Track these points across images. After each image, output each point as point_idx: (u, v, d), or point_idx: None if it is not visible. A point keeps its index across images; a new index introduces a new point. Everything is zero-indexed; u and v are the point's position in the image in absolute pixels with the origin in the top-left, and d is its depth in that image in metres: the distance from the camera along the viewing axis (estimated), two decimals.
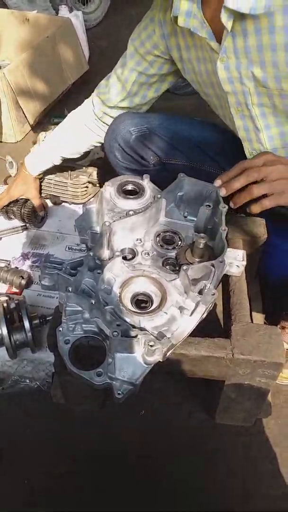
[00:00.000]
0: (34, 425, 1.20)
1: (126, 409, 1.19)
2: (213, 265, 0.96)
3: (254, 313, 1.28)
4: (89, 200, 1.78)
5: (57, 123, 2.23)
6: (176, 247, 1.08)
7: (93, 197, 1.78)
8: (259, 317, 1.30)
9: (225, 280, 1.10)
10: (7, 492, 1.10)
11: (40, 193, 1.71)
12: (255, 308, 1.30)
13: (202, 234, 1.03)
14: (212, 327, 1.05)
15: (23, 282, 1.43)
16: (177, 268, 1.02)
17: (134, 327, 0.89)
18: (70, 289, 0.93)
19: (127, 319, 0.90)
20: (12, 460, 1.15)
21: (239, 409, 1.12)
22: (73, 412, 1.20)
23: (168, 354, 0.88)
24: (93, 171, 1.81)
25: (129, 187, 1.18)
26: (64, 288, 0.94)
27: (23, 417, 1.22)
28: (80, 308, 0.93)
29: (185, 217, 1.17)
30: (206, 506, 1.09)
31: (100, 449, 1.17)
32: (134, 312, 0.92)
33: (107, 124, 1.35)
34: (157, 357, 0.86)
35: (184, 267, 0.96)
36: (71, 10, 2.66)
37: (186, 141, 1.27)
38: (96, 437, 1.19)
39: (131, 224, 1.08)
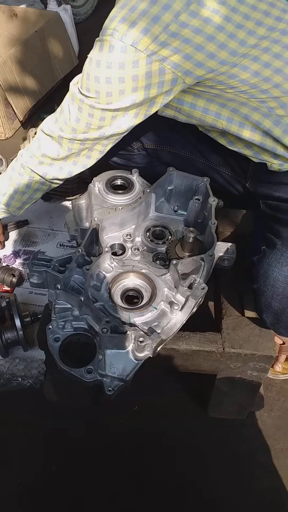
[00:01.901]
0: (26, 423, 1.20)
1: (119, 405, 1.19)
2: (202, 259, 0.95)
3: (245, 307, 1.28)
4: (79, 196, 1.77)
5: None
6: (166, 242, 1.08)
7: (83, 193, 1.77)
8: (250, 311, 1.30)
9: (216, 274, 1.10)
10: (0, 490, 1.10)
11: None
12: (247, 302, 1.30)
13: (191, 228, 1.03)
14: (203, 321, 1.05)
15: (14, 280, 1.42)
16: (168, 262, 1.02)
17: (124, 323, 0.89)
18: (59, 286, 0.92)
19: (117, 315, 0.90)
20: (5, 458, 1.15)
21: (232, 403, 1.12)
22: (66, 409, 1.20)
23: (158, 349, 0.88)
24: None
25: (118, 182, 1.18)
26: (53, 286, 0.93)
27: (16, 415, 1.21)
28: (69, 306, 0.93)
29: (176, 211, 1.17)
30: (199, 499, 1.09)
31: (93, 445, 1.17)
32: (124, 308, 0.92)
33: None
34: (147, 353, 0.86)
35: (174, 262, 0.95)
36: (59, 4, 2.62)
37: (170, 128, 1.25)
38: (89, 433, 1.19)
39: (121, 220, 1.08)
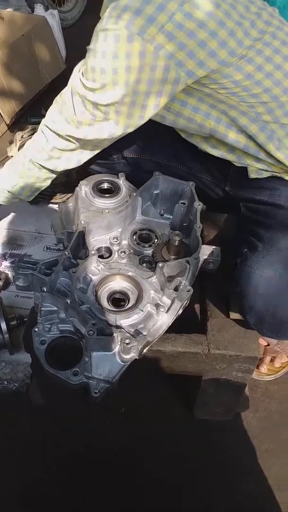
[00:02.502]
0: (12, 427, 1.19)
1: (106, 406, 1.19)
2: (188, 262, 0.97)
3: (230, 309, 1.29)
4: (66, 199, 1.77)
5: (34, 123, 2.22)
6: (153, 245, 1.09)
7: (70, 196, 1.77)
8: (236, 313, 1.32)
9: (201, 277, 1.11)
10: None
11: None
12: (232, 304, 1.32)
13: (177, 232, 1.04)
14: (189, 323, 1.06)
15: (0, 283, 1.41)
16: (154, 265, 1.03)
17: (110, 325, 0.89)
18: (45, 289, 0.92)
19: (103, 318, 0.90)
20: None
21: (217, 404, 1.14)
22: (53, 412, 1.19)
23: (144, 351, 0.89)
24: (71, 170, 1.80)
25: (105, 185, 1.19)
26: (39, 288, 0.94)
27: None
28: (55, 308, 0.93)
29: (162, 215, 1.18)
30: (186, 502, 1.10)
31: (80, 449, 1.17)
32: (110, 310, 0.92)
33: None
34: (133, 355, 0.86)
35: (160, 265, 0.96)
36: (46, 9, 2.64)
37: (148, 137, 1.26)
38: (76, 437, 1.18)
39: (107, 223, 1.08)
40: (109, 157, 1.31)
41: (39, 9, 2.59)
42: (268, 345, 1.30)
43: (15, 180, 1.19)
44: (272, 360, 1.31)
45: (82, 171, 1.28)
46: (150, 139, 1.21)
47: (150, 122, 1.05)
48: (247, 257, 0.95)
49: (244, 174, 1.08)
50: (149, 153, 1.27)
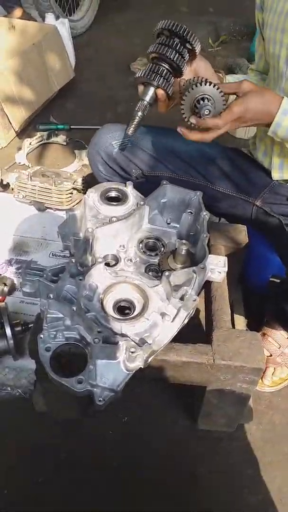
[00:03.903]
0: (15, 433, 1.19)
1: (109, 416, 1.19)
2: (194, 271, 0.97)
3: (236, 319, 1.29)
4: (73, 206, 1.78)
5: (42, 130, 2.25)
6: (159, 254, 1.09)
7: (77, 203, 1.78)
8: (241, 323, 1.32)
9: (207, 286, 1.11)
10: None
11: None
12: (237, 314, 1.32)
13: (184, 241, 1.04)
14: (195, 333, 1.06)
15: (6, 289, 1.42)
16: (160, 274, 1.03)
17: (115, 333, 0.89)
18: (51, 296, 0.92)
19: (109, 326, 0.90)
20: None
21: (221, 415, 1.13)
22: (55, 419, 1.19)
23: (149, 360, 0.88)
24: (78, 178, 1.81)
25: (113, 194, 1.19)
26: (45, 295, 0.94)
27: (4, 425, 1.20)
28: (61, 315, 0.93)
29: (168, 223, 1.18)
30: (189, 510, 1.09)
31: (83, 456, 1.16)
32: (116, 318, 0.92)
33: None
34: (138, 364, 0.86)
35: (166, 273, 0.96)
36: (57, 18, 2.67)
37: (170, 153, 1.27)
38: (79, 444, 1.18)
39: (114, 231, 1.09)
40: (128, 176, 1.31)
41: (50, 18, 2.62)
42: (271, 355, 1.29)
43: None
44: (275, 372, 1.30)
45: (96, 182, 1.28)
46: (171, 154, 1.20)
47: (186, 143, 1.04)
48: None
49: (281, 192, 1.09)
50: (169, 170, 1.28)
